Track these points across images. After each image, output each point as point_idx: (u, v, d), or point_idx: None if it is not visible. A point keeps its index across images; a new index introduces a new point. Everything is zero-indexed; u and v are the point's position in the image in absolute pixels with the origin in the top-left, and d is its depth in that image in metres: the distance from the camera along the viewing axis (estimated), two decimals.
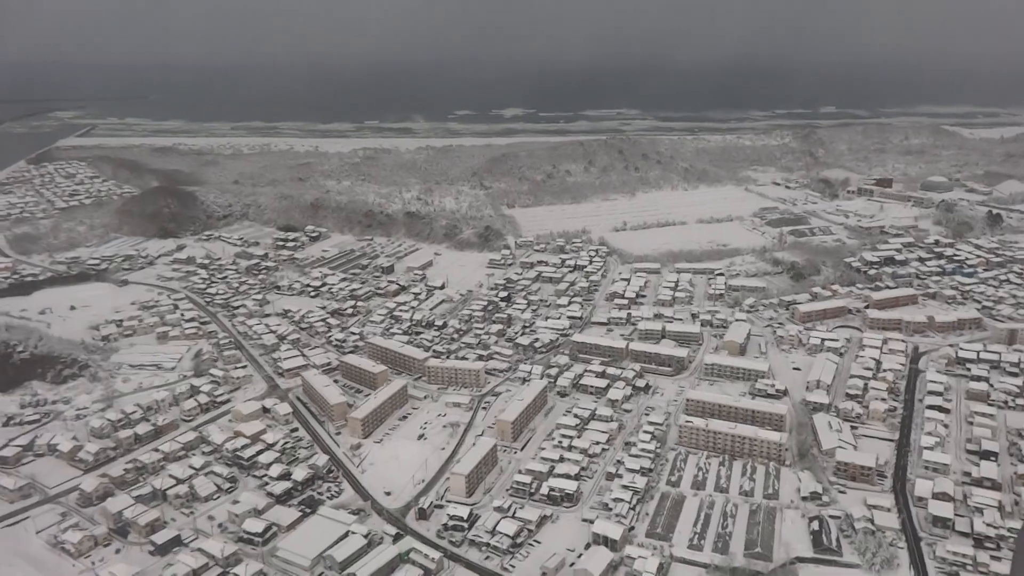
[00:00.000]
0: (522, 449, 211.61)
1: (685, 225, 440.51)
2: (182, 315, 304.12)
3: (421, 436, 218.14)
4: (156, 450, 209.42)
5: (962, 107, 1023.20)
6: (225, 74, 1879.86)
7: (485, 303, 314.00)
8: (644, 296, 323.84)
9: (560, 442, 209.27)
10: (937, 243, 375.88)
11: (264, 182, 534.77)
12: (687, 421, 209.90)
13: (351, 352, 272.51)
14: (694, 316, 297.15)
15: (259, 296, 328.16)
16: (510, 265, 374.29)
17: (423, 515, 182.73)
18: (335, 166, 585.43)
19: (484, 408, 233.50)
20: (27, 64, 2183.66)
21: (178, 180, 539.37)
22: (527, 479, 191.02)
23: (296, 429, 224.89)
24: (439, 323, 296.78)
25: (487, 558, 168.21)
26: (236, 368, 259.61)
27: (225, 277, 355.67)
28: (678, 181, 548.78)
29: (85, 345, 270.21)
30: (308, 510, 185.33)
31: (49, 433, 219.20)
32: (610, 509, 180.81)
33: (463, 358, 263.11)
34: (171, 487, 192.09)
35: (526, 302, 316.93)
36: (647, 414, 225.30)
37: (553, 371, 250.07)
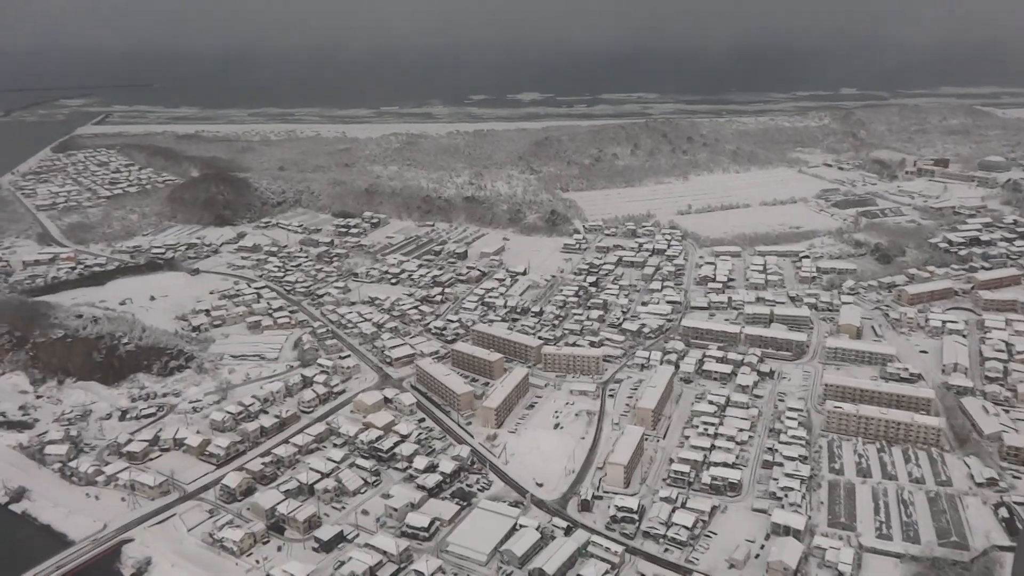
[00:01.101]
0: (664, 437, 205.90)
1: (749, 208, 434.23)
2: (268, 304, 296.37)
3: (557, 426, 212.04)
4: (288, 443, 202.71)
5: (986, 88, 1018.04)
6: (227, 61, 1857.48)
7: (576, 288, 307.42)
8: (734, 280, 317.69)
9: (705, 430, 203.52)
10: (1016, 223, 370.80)
11: (309, 168, 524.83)
12: (836, 407, 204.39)
13: (452, 340, 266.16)
14: (793, 299, 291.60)
15: (340, 284, 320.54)
16: (585, 249, 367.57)
17: (586, 507, 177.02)
18: (377, 152, 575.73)
19: (611, 395, 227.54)
20: (22, 53, 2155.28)
21: (219, 167, 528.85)
22: (684, 468, 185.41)
23: (423, 420, 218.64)
24: (535, 309, 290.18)
25: (666, 551, 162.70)
26: (341, 357, 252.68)
27: (299, 265, 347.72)
28: (728, 163, 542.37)
29: (182, 336, 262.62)
30: (463, 503, 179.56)
31: (170, 427, 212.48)
32: (779, 499, 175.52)
33: (572, 344, 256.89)
34: (316, 481, 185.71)
35: (617, 287, 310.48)
36: (782, 400, 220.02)
37: (672, 357, 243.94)
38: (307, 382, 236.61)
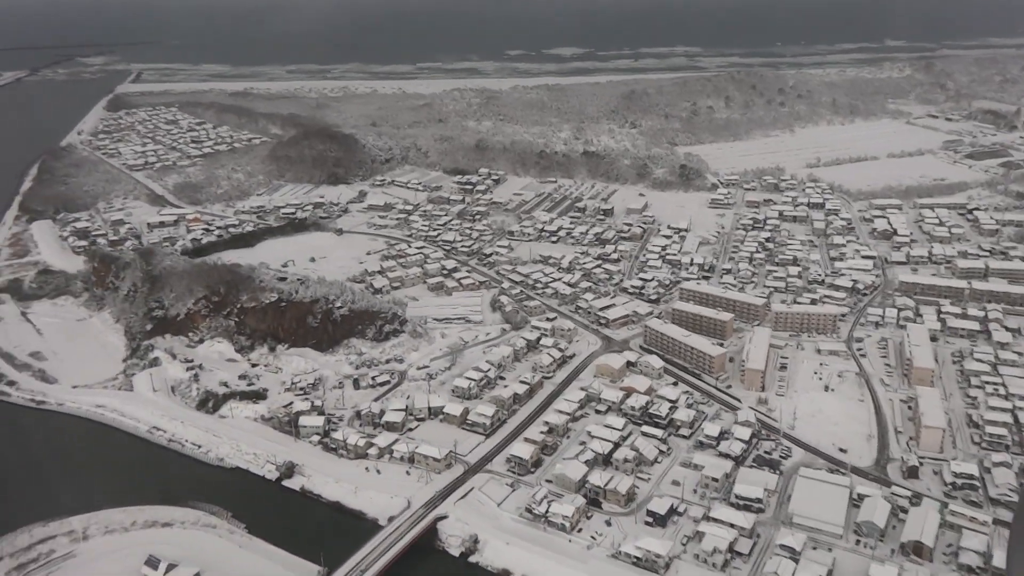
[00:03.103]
0: (947, 398, 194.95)
1: (878, 160, 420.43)
2: (442, 266, 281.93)
3: (827, 388, 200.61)
4: (558, 411, 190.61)
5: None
6: (238, 17, 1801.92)
7: (755, 245, 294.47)
8: (910, 233, 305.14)
9: (996, 389, 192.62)
10: None
11: (404, 124, 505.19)
12: None
13: (656, 299, 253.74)
14: (992, 252, 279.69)
15: (504, 244, 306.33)
16: (732, 204, 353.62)
17: (914, 473, 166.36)
18: (461, 107, 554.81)
19: (862, 355, 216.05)
20: (18, 8, 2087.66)
21: (306, 124, 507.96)
22: (1002, 431, 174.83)
23: (676, 383, 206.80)
24: (725, 266, 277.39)
25: None
26: (549, 319, 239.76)
27: (446, 223, 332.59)
28: (831, 116, 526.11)
29: (394, 300, 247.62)
30: (774, 471, 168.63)
31: (415, 395, 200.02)
32: None
33: (791, 301, 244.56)
34: (612, 451, 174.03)
35: (797, 242, 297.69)
36: None
37: (908, 314, 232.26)
38: (531, 345, 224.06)
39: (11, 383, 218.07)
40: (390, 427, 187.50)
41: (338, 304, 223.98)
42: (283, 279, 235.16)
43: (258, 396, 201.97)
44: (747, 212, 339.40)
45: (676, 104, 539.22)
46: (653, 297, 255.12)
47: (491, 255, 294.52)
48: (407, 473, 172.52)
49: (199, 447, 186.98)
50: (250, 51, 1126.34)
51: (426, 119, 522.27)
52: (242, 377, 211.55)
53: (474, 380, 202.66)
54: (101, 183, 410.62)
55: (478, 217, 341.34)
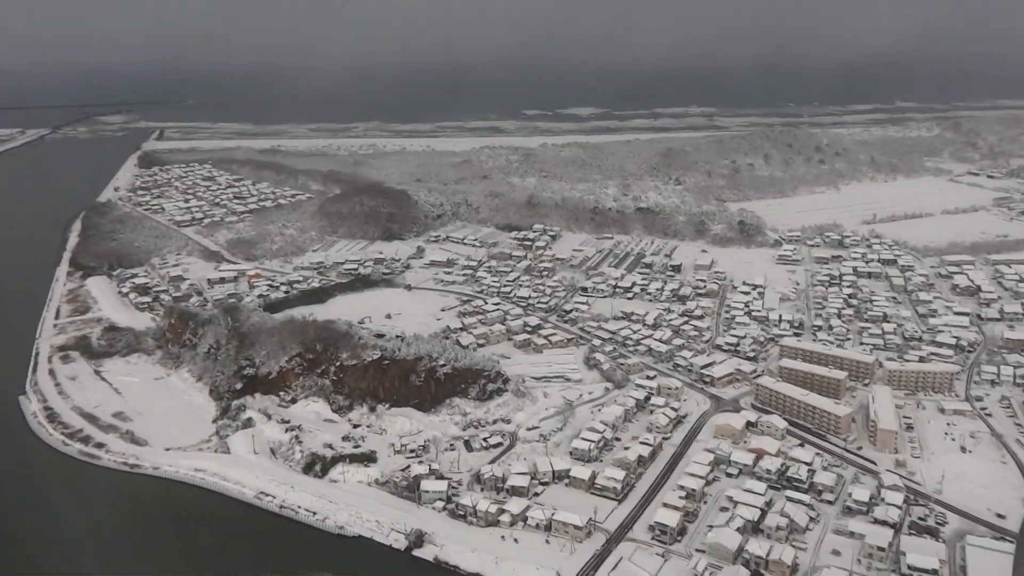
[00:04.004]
0: None
1: (933, 216, 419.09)
2: (525, 323, 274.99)
3: (963, 449, 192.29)
4: (691, 475, 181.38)
5: None
6: (254, 79, 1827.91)
7: (839, 301, 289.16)
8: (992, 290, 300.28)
9: None
10: None
11: (449, 180, 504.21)
12: None
13: (753, 356, 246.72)
14: None
15: (582, 300, 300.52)
16: (800, 261, 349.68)
17: None
18: (501, 164, 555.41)
19: (987, 414, 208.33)
20: (36, 72, 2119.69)
21: (346, 180, 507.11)
22: None
23: (802, 444, 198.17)
24: (816, 322, 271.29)
25: None
26: (649, 377, 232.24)
27: (516, 279, 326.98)
28: (873, 173, 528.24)
29: (490, 358, 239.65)
30: (936, 539, 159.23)
31: (534, 458, 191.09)
32: None
33: (897, 359, 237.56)
34: (761, 518, 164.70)
35: (883, 298, 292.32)
36: None
37: (1022, 371, 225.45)
38: (639, 405, 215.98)
39: (99, 445, 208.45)
40: (516, 492, 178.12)
41: (441, 362, 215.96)
42: (380, 335, 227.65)
43: (368, 459, 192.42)
44: (819, 268, 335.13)
45: (715, 161, 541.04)
46: (750, 354, 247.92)
47: (571, 311, 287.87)
48: (546, 542, 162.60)
49: (314, 514, 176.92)
50: (268, 111, 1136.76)
51: (470, 176, 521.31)
52: (346, 439, 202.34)
53: (592, 441, 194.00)
54: (151, 239, 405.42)
55: (546, 273, 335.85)
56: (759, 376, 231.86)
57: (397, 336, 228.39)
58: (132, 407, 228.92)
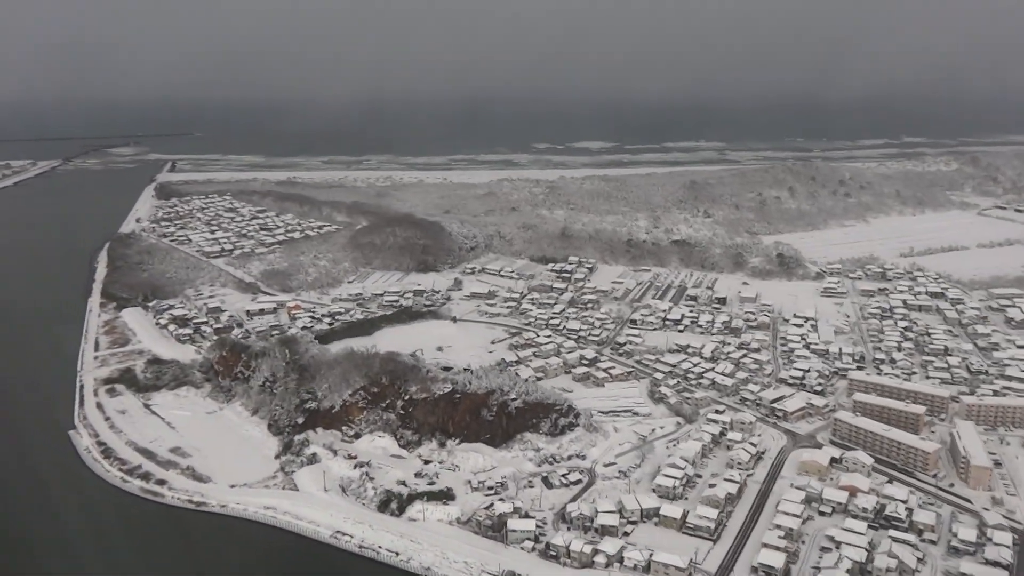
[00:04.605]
0: None
1: (968, 250, 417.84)
2: (581, 356, 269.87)
3: None
4: (785, 513, 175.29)
5: None
6: (259, 112, 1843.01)
7: (897, 334, 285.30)
8: None
9: None
10: None
11: (475, 212, 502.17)
12: None
13: (820, 390, 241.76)
14: None
15: (635, 333, 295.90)
16: (845, 293, 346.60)
17: None
18: (526, 197, 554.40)
19: None
20: (38, 103, 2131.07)
21: (372, 211, 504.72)
22: None
23: (890, 481, 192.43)
24: (878, 356, 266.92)
25: None
26: (718, 412, 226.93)
27: (563, 311, 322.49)
28: (900, 207, 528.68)
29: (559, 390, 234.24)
30: None
31: (618, 495, 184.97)
32: None
33: (970, 393, 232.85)
34: (868, 560, 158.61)
35: (941, 331, 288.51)
36: None
37: None
38: (715, 440, 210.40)
39: (161, 482, 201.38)
40: (605, 531, 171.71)
41: (512, 396, 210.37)
42: (448, 368, 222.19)
43: (446, 496, 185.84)
44: (866, 301, 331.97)
45: (741, 194, 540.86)
46: (816, 388, 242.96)
47: (624, 344, 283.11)
48: None
49: (396, 554, 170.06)
50: (278, 144, 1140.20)
51: (497, 208, 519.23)
52: (419, 475, 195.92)
53: (676, 478, 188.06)
54: (182, 270, 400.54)
55: (591, 305, 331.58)
56: (831, 410, 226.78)
57: (465, 369, 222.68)
58: (188, 442, 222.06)
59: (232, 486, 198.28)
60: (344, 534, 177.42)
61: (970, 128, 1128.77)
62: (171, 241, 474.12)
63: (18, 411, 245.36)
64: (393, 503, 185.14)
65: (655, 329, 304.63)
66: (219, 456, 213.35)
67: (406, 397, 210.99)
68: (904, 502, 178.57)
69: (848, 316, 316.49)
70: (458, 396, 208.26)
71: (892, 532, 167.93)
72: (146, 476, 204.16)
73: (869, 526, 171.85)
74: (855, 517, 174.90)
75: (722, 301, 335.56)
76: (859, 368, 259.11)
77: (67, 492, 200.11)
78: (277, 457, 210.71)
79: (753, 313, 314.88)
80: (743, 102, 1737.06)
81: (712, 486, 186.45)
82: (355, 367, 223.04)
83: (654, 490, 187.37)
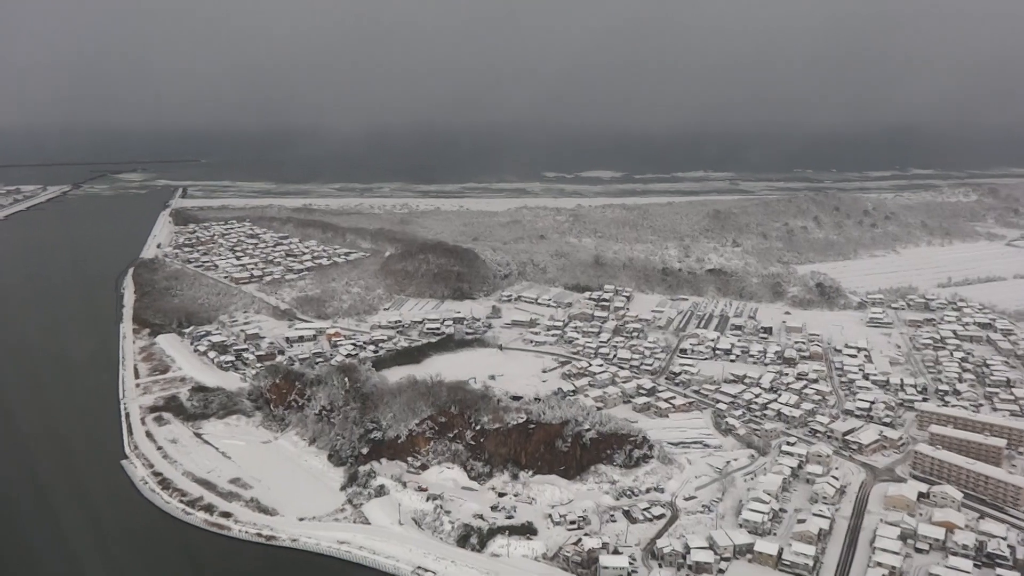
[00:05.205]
0: None
1: (1006, 280, 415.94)
2: (639, 386, 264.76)
3: None
4: (888, 551, 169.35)
5: None
6: (256, 137, 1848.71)
7: (955, 365, 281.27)
8: None
9: None
10: None
11: (505, 240, 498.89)
12: None
13: (889, 422, 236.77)
14: None
15: (689, 363, 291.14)
16: (892, 324, 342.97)
17: None
18: (552, 224, 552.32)
19: None
20: (43, 129, 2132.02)
21: (398, 238, 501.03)
22: None
23: (981, 517, 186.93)
24: (943, 387, 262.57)
25: None
26: (789, 444, 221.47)
27: (609, 340, 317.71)
28: (928, 237, 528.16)
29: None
30: None
31: (692, 531, 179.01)
32: None
33: None
34: None
35: (998, 361, 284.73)
36: None
37: None
38: (795, 473, 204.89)
39: (226, 514, 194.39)
40: (700, 568, 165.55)
41: (586, 426, 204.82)
42: (517, 398, 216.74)
43: (529, 531, 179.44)
44: (915, 332, 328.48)
45: (767, 224, 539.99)
46: (885, 420, 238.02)
47: (680, 374, 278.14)
48: None
49: None
50: (286, 171, 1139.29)
51: (524, 236, 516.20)
52: (495, 508, 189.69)
53: (764, 513, 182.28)
54: (212, 296, 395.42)
55: (636, 334, 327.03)
56: (905, 443, 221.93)
57: (536, 399, 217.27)
58: (247, 472, 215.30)
59: (301, 519, 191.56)
60: (427, 570, 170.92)
61: (977, 160, 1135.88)
62: (196, 267, 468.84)
63: (66, 440, 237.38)
64: (473, 537, 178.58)
65: (706, 359, 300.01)
66: (281, 487, 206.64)
67: (477, 427, 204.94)
68: (1004, 539, 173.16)
69: (899, 347, 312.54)
70: (532, 426, 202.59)
71: (999, 571, 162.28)
72: (209, 508, 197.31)
73: (975, 565, 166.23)
74: (955, 555, 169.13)
75: (768, 331, 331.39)
76: (924, 400, 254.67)
77: (128, 524, 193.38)
78: (342, 489, 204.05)
79: (803, 343, 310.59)
80: (748, 133, 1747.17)
81: (802, 521, 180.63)
82: (420, 396, 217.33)
83: (741, 525, 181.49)
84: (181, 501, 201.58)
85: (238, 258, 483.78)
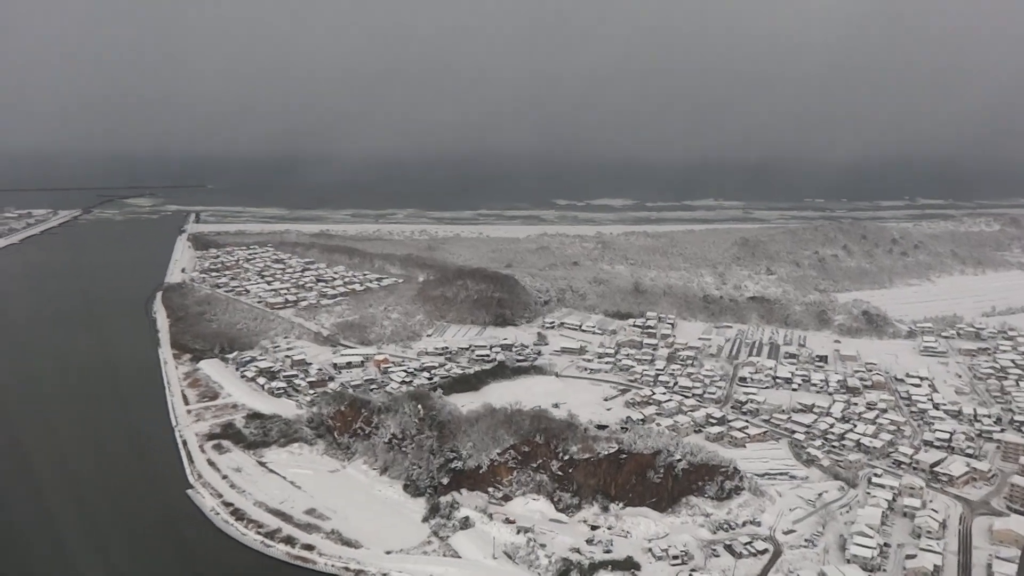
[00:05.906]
0: None
1: None
2: (708, 415, 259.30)
3: None
4: None
5: None
6: (263, 165, 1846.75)
7: None
8: None
9: None
10: None
11: (540, 266, 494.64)
12: None
13: (971, 453, 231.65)
14: None
15: (752, 391, 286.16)
16: (946, 353, 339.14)
17: None
18: (581, 251, 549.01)
19: None
20: (47, 153, 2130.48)
21: (429, 264, 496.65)
22: None
23: None
24: (1018, 419, 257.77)
25: None
26: (876, 475, 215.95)
27: (666, 368, 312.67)
28: (961, 266, 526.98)
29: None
30: None
31: (798, 569, 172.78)
32: None
33: None
34: None
35: None
36: None
37: None
38: (891, 506, 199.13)
39: (308, 547, 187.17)
40: None
41: (677, 456, 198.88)
42: (602, 427, 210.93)
43: (631, 566, 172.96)
44: (972, 361, 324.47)
45: (796, 252, 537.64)
46: (968, 451, 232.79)
47: (746, 403, 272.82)
48: None
49: None
50: (295, 196, 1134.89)
51: (557, 262, 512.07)
52: (590, 542, 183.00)
53: (871, 548, 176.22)
54: (249, 321, 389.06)
55: (690, 361, 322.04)
56: (995, 475, 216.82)
57: (623, 428, 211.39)
58: (321, 503, 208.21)
59: (388, 552, 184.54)
60: None
61: (988, 191, 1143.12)
62: (227, 292, 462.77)
63: (125, 469, 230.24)
64: (573, 572, 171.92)
65: (767, 387, 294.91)
66: (360, 519, 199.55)
67: (564, 457, 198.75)
68: None
69: (960, 376, 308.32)
70: (624, 456, 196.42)
71: None
72: (289, 540, 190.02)
73: None
74: None
75: (823, 359, 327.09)
76: (1001, 430, 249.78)
77: (206, 557, 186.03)
78: (424, 520, 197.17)
79: (863, 372, 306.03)
80: (754, 161, 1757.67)
81: (911, 556, 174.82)
82: (500, 424, 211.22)
83: (849, 560, 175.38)
84: (259, 533, 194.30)
85: (268, 283, 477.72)
